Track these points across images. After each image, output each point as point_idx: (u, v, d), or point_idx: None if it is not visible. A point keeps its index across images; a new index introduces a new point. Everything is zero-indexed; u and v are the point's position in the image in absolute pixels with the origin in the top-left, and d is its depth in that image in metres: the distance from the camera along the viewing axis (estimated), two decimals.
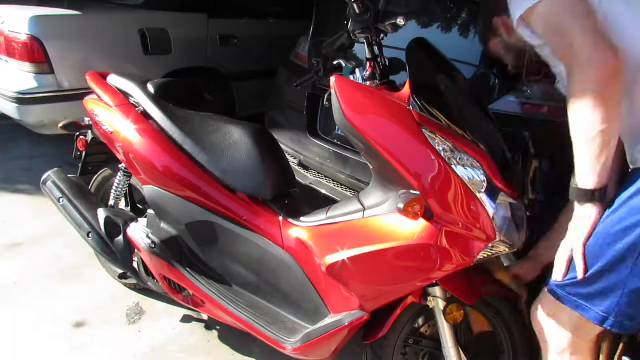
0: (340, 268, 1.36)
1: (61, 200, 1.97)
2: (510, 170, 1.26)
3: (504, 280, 1.48)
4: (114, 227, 1.85)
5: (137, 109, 1.83)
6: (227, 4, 3.59)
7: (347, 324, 1.39)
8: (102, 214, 1.86)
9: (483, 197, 1.18)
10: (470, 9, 1.97)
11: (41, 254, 2.40)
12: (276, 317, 1.58)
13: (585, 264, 1.09)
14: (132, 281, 2.13)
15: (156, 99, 1.81)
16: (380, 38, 1.35)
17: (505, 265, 1.57)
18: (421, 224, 1.24)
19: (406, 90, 1.24)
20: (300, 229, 1.51)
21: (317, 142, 2.37)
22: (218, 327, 2.02)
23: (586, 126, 1.00)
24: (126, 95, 1.89)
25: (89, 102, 1.95)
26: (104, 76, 2.00)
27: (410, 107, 1.21)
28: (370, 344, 1.49)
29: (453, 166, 1.18)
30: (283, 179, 1.64)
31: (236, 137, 1.64)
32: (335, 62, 1.45)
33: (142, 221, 1.88)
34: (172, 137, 1.72)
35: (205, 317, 2.07)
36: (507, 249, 1.26)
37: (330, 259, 1.38)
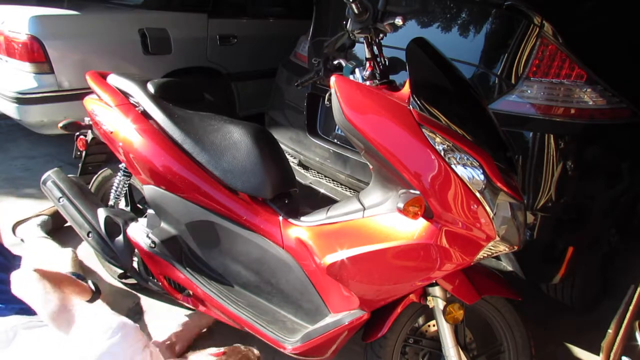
0: (340, 268, 1.36)
1: (61, 200, 1.97)
2: (510, 169, 1.26)
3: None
4: (114, 227, 1.85)
5: (137, 108, 1.83)
6: (227, 4, 3.60)
7: (347, 323, 1.39)
8: (102, 213, 1.86)
9: (483, 197, 1.18)
10: (470, 8, 1.97)
11: None
12: (276, 317, 1.58)
13: None
14: (132, 281, 2.13)
15: (156, 98, 1.81)
16: (380, 38, 1.35)
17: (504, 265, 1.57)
18: (421, 223, 1.24)
19: (406, 89, 1.25)
20: (300, 229, 1.51)
21: (317, 142, 2.37)
22: (218, 327, 2.02)
23: None
24: (126, 95, 1.89)
25: (89, 102, 1.95)
26: (103, 76, 2.00)
27: (410, 106, 1.21)
28: (370, 344, 1.49)
29: (453, 166, 1.18)
30: (283, 178, 1.65)
31: (236, 137, 1.64)
32: (335, 62, 1.46)
33: (142, 221, 1.88)
34: (172, 137, 1.72)
35: None
36: (506, 249, 1.27)
37: (330, 258, 1.38)
